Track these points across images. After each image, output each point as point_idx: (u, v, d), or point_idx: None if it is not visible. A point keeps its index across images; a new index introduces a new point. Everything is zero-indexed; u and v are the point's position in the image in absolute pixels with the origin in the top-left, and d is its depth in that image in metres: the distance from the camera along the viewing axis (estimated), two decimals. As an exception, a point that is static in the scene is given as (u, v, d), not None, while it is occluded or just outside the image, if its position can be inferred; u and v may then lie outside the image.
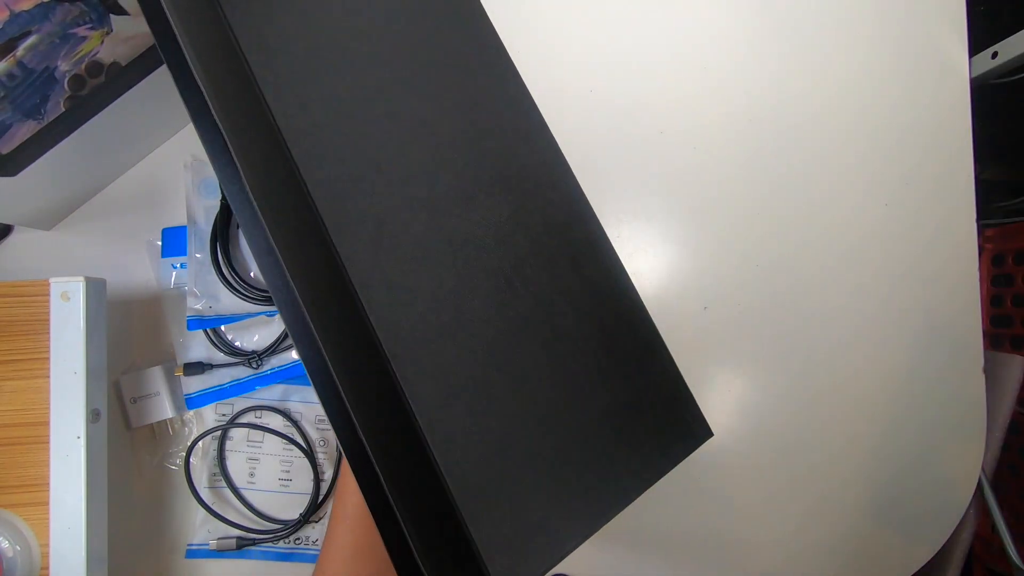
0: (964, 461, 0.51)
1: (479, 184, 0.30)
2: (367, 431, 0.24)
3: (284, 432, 0.45)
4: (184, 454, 0.44)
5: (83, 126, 0.39)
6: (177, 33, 0.25)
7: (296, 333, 0.26)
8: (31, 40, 0.32)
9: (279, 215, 0.24)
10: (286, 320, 0.26)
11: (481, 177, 0.30)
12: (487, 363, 0.27)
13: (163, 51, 0.27)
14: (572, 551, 0.27)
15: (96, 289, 0.39)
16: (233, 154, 0.24)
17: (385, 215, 0.26)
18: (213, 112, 0.24)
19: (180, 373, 0.44)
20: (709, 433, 0.34)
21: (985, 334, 0.51)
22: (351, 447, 0.25)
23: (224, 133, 0.24)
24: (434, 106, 0.30)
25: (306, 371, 0.26)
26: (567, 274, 0.31)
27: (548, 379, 0.29)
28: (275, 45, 0.26)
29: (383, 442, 0.24)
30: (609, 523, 0.29)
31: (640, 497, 0.30)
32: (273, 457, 0.45)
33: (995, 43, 0.59)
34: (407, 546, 0.24)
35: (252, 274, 0.45)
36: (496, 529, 0.25)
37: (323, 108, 0.26)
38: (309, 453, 0.45)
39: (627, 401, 0.31)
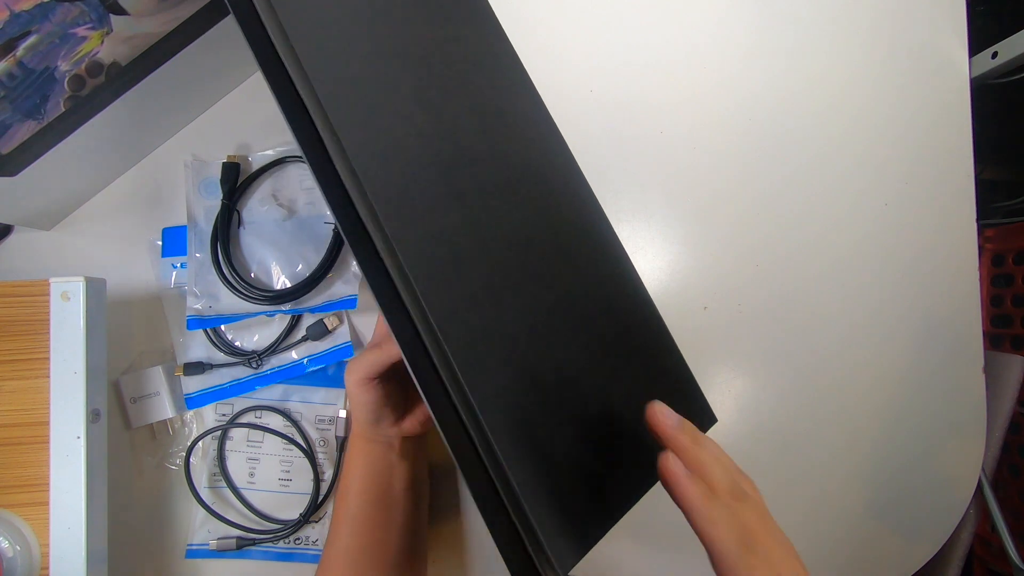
0: (964, 461, 0.51)
1: (510, 183, 0.32)
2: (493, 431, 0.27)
3: (284, 432, 0.45)
4: (184, 454, 0.44)
5: (83, 126, 0.39)
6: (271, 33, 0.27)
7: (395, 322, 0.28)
8: (31, 40, 0.32)
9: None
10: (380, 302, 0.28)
11: (511, 176, 0.32)
12: (531, 358, 0.29)
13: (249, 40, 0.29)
14: (603, 536, 0.29)
15: (96, 289, 0.39)
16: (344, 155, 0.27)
17: (434, 204, 0.28)
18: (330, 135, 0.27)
19: (180, 373, 0.44)
20: (713, 419, 0.36)
21: (985, 334, 0.51)
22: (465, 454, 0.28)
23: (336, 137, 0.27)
24: (466, 107, 0.31)
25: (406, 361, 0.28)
26: (589, 271, 0.33)
27: (584, 372, 0.31)
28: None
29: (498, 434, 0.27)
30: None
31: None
32: (273, 457, 0.45)
33: (995, 43, 0.59)
34: (515, 529, 0.28)
35: (252, 274, 0.45)
36: (548, 516, 0.27)
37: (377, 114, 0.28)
38: (309, 453, 0.45)
39: (644, 391, 0.33)
